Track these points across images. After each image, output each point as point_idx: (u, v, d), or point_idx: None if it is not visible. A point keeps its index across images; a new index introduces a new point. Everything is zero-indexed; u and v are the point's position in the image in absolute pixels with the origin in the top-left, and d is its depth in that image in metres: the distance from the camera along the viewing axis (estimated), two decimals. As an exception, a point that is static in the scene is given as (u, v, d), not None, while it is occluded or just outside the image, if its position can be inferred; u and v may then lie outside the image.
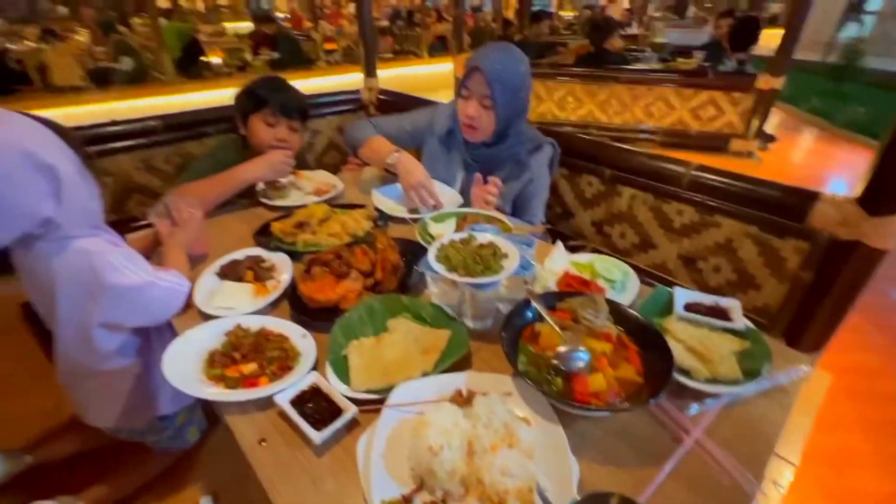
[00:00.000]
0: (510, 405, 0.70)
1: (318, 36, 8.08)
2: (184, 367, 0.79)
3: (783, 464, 0.69)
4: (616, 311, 0.84)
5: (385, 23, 10.09)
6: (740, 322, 0.86)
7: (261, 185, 1.48)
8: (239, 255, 1.10)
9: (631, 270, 1.06)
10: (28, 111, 0.88)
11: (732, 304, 0.91)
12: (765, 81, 3.30)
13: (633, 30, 8.11)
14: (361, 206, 1.36)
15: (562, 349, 0.74)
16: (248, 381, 0.77)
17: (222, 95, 2.06)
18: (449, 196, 1.45)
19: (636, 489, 0.61)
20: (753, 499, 0.61)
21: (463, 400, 0.70)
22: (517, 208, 1.47)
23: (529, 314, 0.83)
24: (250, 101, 1.48)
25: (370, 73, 2.82)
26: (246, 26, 8.86)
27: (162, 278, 0.92)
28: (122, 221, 1.79)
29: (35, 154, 0.80)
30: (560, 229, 2.03)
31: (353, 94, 2.82)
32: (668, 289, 0.97)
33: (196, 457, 1.23)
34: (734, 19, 3.59)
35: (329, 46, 9.51)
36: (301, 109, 1.55)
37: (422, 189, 1.32)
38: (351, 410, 0.70)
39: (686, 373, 0.78)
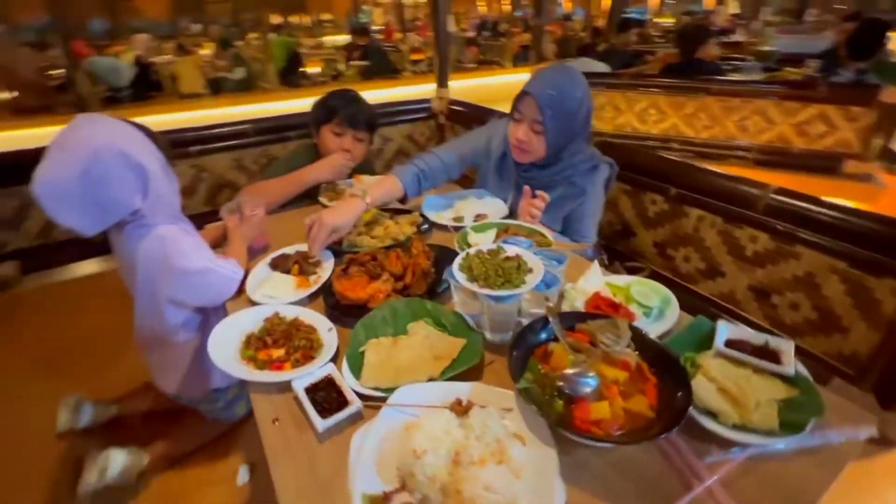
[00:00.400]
0: (507, 421, 0.69)
1: (405, 47, 8.47)
2: (225, 345, 0.89)
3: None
4: (640, 338, 0.79)
5: (471, 34, 10.28)
6: (790, 367, 0.76)
7: (323, 188, 1.61)
8: (290, 249, 1.21)
9: (672, 297, 0.98)
10: (158, 115, 1.07)
11: (784, 346, 0.81)
12: (892, 94, 2.84)
13: (739, 37, 7.41)
14: (409, 212, 1.41)
15: (569, 371, 0.71)
16: (274, 365, 0.85)
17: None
18: (493, 207, 1.45)
19: (627, 530, 0.57)
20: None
21: (461, 409, 0.70)
22: (567, 227, 1.42)
23: (545, 333, 0.81)
24: (322, 111, 1.61)
25: (442, 83, 2.91)
26: (342, 39, 9.56)
27: (220, 265, 1.04)
28: (211, 213, 2.05)
29: (129, 154, 0.95)
30: (619, 248, 1.93)
31: (425, 104, 2.93)
32: (711, 322, 0.89)
33: (241, 430, 1.36)
34: (856, 23, 3.12)
35: (416, 57, 9.94)
36: (367, 121, 1.65)
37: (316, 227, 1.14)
38: (356, 404, 0.74)
39: (713, 416, 0.71)
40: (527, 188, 1.31)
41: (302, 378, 0.80)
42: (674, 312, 0.95)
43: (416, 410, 0.71)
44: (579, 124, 1.29)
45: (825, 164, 3.15)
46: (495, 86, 8.15)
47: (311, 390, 0.78)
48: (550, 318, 0.80)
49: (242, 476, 1.24)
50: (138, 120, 1.06)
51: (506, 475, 0.62)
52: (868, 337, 1.24)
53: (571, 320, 0.83)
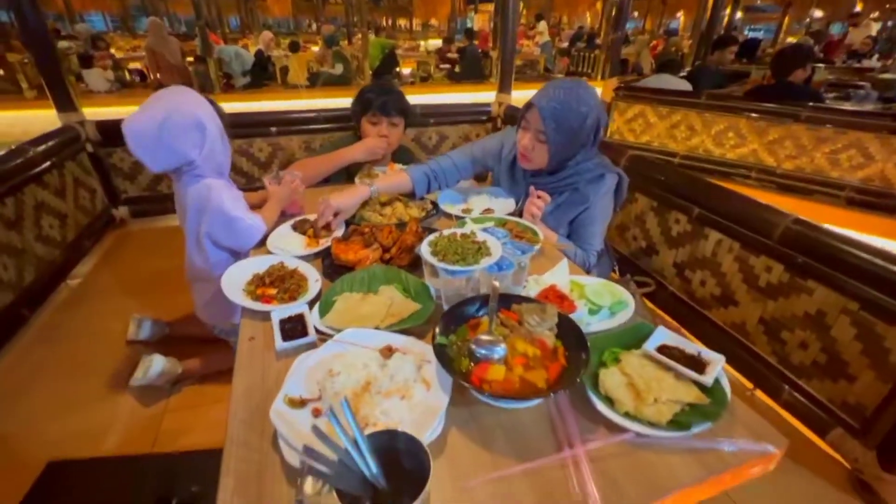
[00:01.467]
0: (424, 371, 0.81)
1: (494, 53, 8.62)
2: (236, 279, 1.11)
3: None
4: (568, 326, 0.85)
5: (565, 44, 10.17)
6: (709, 378, 0.78)
7: (360, 171, 1.81)
8: (312, 216, 1.41)
9: (630, 303, 1.01)
10: (265, 100, 1.35)
11: (715, 359, 0.82)
12: None
13: (873, 62, 6.51)
14: (422, 199, 1.56)
15: (482, 337, 0.81)
16: (265, 299, 1.04)
17: (420, 101, 2.57)
18: (502, 203, 1.54)
19: (488, 471, 0.66)
20: (595, 525, 0.60)
21: (387, 353, 0.83)
22: (573, 233, 1.47)
23: (483, 309, 0.91)
24: (360, 104, 1.82)
25: (503, 88, 3.02)
26: (436, 44, 10.00)
27: (250, 218, 1.27)
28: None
29: (199, 118, 1.22)
30: (640, 264, 1.91)
31: (485, 107, 3.06)
32: (652, 326, 0.92)
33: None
34: None
35: (507, 64, 10.09)
36: (399, 108, 1.82)
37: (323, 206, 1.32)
38: (311, 336, 0.91)
39: (610, 403, 0.76)
40: (532, 188, 1.39)
41: (279, 311, 0.98)
42: (626, 314, 0.98)
43: (353, 348, 0.85)
44: (583, 137, 1.33)
45: (935, 212, 2.74)
46: None
47: (284, 321, 0.96)
48: (491, 295, 0.90)
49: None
50: (247, 104, 1.35)
51: (402, 407, 0.74)
52: (875, 388, 1.15)
53: (509, 301, 0.91)
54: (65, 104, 2.27)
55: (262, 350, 0.91)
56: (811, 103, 3.05)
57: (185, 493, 1.06)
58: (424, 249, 1.02)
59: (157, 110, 1.21)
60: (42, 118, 2.28)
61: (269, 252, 1.24)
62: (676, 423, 0.72)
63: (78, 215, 2.20)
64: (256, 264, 1.16)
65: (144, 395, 1.47)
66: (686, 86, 3.88)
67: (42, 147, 1.98)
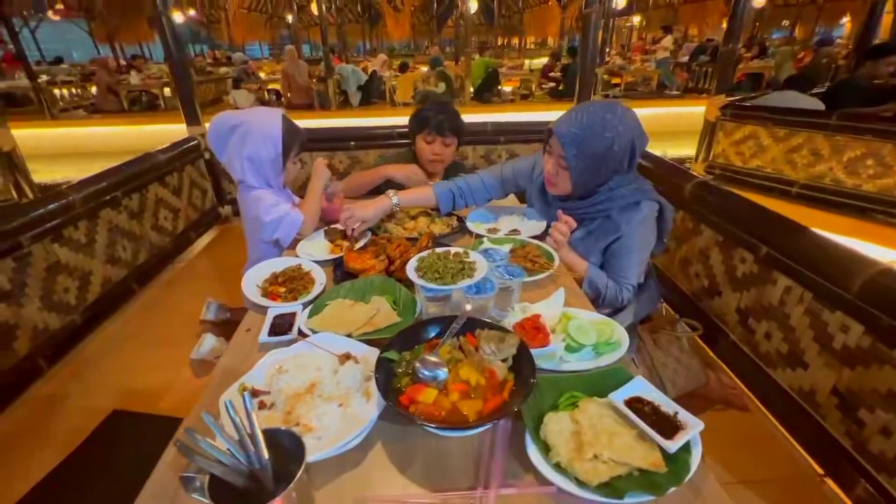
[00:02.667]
0: (372, 382, 0.82)
1: (600, 71, 8.28)
2: (257, 276, 1.24)
3: None
4: (527, 361, 0.80)
5: (685, 58, 9.35)
6: (674, 445, 0.67)
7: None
8: (342, 226, 1.52)
9: (623, 345, 0.90)
10: (372, 117, 1.55)
11: (691, 424, 0.70)
12: None
13: None
14: (450, 215, 1.57)
15: (427, 357, 0.80)
16: (271, 296, 1.15)
17: (499, 119, 2.68)
18: (530, 225, 1.49)
19: (387, 493, 0.65)
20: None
21: (343, 360, 0.87)
22: (607, 263, 1.35)
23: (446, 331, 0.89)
24: (416, 122, 1.89)
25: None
26: (541, 62, 9.94)
27: (287, 214, 1.42)
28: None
29: (255, 149, 1.42)
30: (703, 307, 1.67)
31: (559, 126, 2.96)
32: (632, 375, 0.81)
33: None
34: None
35: (615, 80, 9.60)
36: (453, 128, 1.86)
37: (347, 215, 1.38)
38: (293, 333, 0.98)
39: (547, 449, 0.70)
40: (560, 212, 1.32)
41: (276, 308, 1.08)
42: (612, 357, 0.89)
43: (318, 350, 0.90)
44: (613, 163, 1.22)
45: None
46: (665, 115, 7.05)
47: (278, 318, 1.05)
48: (458, 317, 0.88)
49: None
50: (356, 119, 1.54)
51: (335, 414, 0.76)
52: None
53: (475, 326, 0.88)
54: (192, 119, 2.76)
55: (251, 341, 1.01)
56: None
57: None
58: (411, 265, 1.04)
59: (239, 119, 1.42)
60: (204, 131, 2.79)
61: (296, 255, 1.37)
62: (610, 486, 0.63)
63: (189, 211, 2.64)
64: (277, 265, 1.29)
65: (200, 368, 1.70)
66: (817, 105, 3.30)
67: (168, 154, 2.43)
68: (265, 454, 0.59)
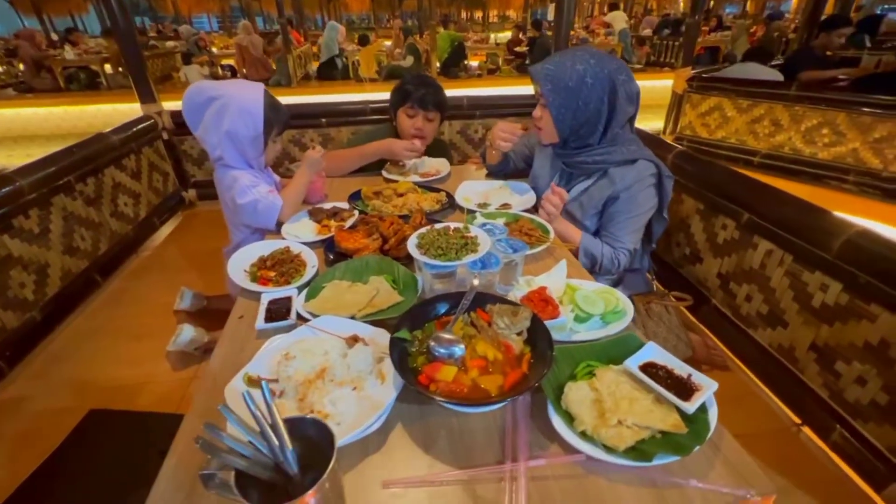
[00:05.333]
0: (384, 364, 0.80)
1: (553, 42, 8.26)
2: (243, 259, 1.17)
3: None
4: (541, 333, 0.79)
5: (648, 31, 9.47)
6: (692, 406, 0.69)
7: (388, 164, 1.82)
8: (328, 205, 1.45)
9: (628, 313, 0.92)
10: (335, 94, 1.46)
11: (706, 385, 0.72)
12: None
13: None
14: (439, 191, 1.54)
15: (442, 335, 0.78)
16: (262, 280, 1.09)
17: (466, 94, 2.57)
18: (521, 198, 1.48)
19: (420, 472, 0.64)
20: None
21: (351, 342, 0.83)
22: (603, 229, 1.37)
23: (457, 305, 0.87)
24: (398, 95, 1.82)
25: (556, 79, 2.88)
26: (507, 36, 9.81)
27: (265, 198, 1.34)
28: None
29: (234, 125, 1.32)
30: (684, 273, 1.73)
31: (533, 99, 2.93)
32: (643, 341, 0.82)
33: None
34: None
35: (582, 54, 9.60)
36: (436, 103, 1.80)
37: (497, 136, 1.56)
38: (290, 320, 0.93)
39: (570, 419, 0.70)
40: (553, 183, 1.32)
41: (270, 293, 1.02)
42: (619, 325, 0.90)
43: (322, 334, 0.87)
44: (591, 100, 1.23)
45: None
46: (657, 89, 7.31)
47: (273, 302, 1.00)
48: (466, 293, 0.86)
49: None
50: (319, 97, 1.43)
51: (350, 398, 0.73)
52: (947, 442, 0.94)
53: (485, 301, 0.87)
54: (146, 97, 2.55)
55: (246, 328, 0.96)
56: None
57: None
58: (412, 242, 1.00)
59: (217, 90, 1.31)
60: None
61: (282, 237, 1.30)
62: (637, 450, 0.64)
63: (150, 195, 2.47)
64: (264, 247, 1.22)
65: (179, 360, 1.62)
66: (776, 76, 3.43)
67: (123, 134, 2.24)
68: (289, 445, 0.56)
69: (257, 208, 1.34)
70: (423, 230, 1.04)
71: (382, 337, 0.86)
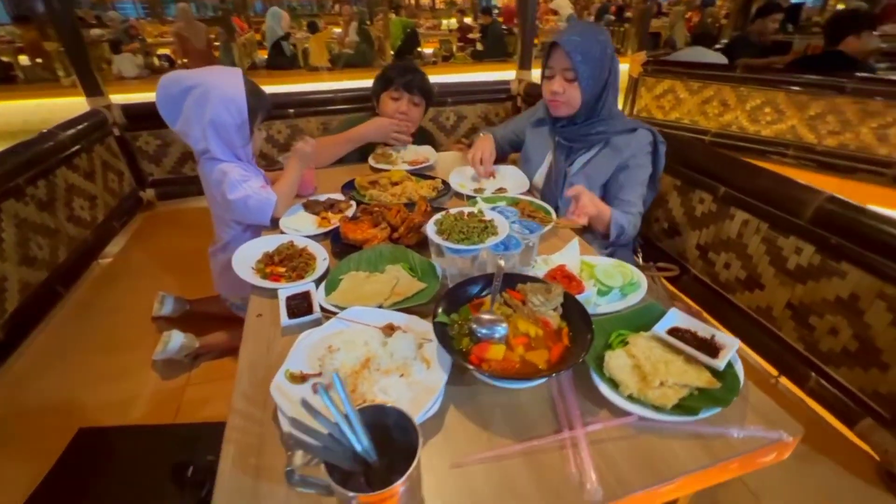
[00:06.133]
0: (425, 349, 0.80)
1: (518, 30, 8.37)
2: (247, 256, 1.13)
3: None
4: (574, 307, 0.83)
5: (590, 18, 9.76)
6: (721, 362, 0.75)
7: (374, 151, 1.79)
8: (322, 196, 1.41)
9: (643, 284, 0.97)
10: (286, 84, 1.38)
11: (729, 343, 0.79)
12: None
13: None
14: (434, 178, 1.54)
15: (483, 316, 0.79)
16: (273, 277, 1.05)
17: (437, 80, 2.54)
18: (515, 182, 1.51)
19: (482, 450, 0.66)
20: (592, 507, 0.59)
21: (389, 331, 0.83)
22: (610, 195, 1.42)
23: (487, 289, 0.89)
24: (381, 81, 1.79)
25: (524, 65, 2.93)
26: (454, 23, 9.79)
27: (258, 193, 1.28)
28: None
29: (218, 113, 1.25)
30: (663, 247, 1.84)
31: (504, 85, 2.97)
32: (663, 308, 0.88)
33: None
34: None
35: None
36: (422, 88, 1.79)
37: (477, 163, 1.54)
38: (316, 313, 0.91)
39: (615, 386, 0.74)
40: (574, 192, 1.24)
41: (287, 289, 0.99)
42: (637, 296, 0.95)
43: (355, 325, 0.86)
44: (606, 70, 1.31)
45: None
46: None
47: (291, 298, 0.97)
48: (495, 275, 0.88)
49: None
50: (269, 87, 1.36)
51: (401, 385, 0.73)
52: (910, 377, 1.07)
53: (514, 281, 0.89)
54: (93, 89, 2.34)
55: (268, 326, 0.93)
56: (858, 74, 2.82)
57: (200, 461, 1.10)
58: (430, 228, 1.00)
59: (193, 79, 1.24)
60: (80, 105, 2.35)
61: (281, 232, 1.26)
62: (683, 407, 0.69)
63: (107, 197, 2.28)
64: (267, 243, 1.18)
65: (167, 368, 1.53)
66: (722, 59, 3.66)
67: (71, 131, 2.05)
68: (365, 434, 0.56)
69: (248, 204, 1.28)
70: (438, 216, 1.04)
71: (416, 324, 0.87)
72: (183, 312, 1.75)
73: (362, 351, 0.78)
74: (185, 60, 6.68)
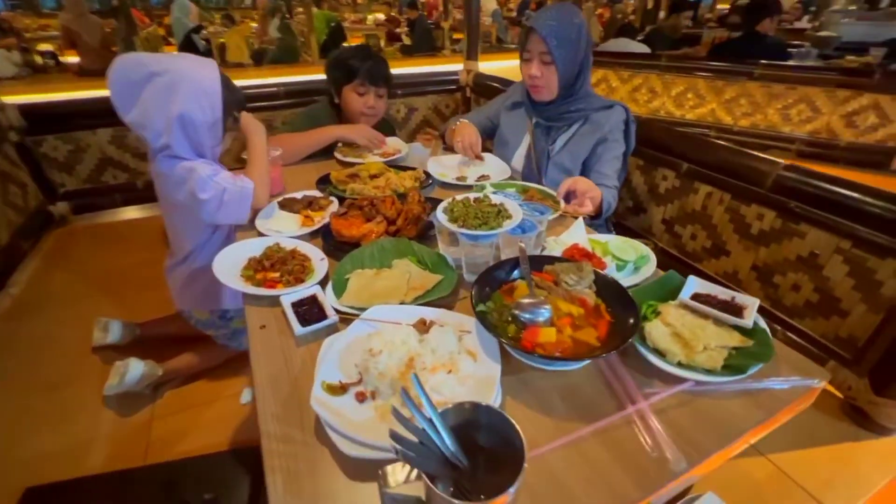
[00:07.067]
0: (465, 341, 0.76)
1: (446, 25, 8.40)
2: (229, 264, 0.99)
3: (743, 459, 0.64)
4: (604, 283, 0.82)
5: (514, 13, 10.06)
6: (749, 320, 0.78)
7: (340, 144, 1.68)
8: (298, 194, 1.30)
9: (651, 256, 1.00)
10: None
11: (749, 302, 0.83)
12: (959, 85, 2.62)
13: (803, 23, 6.90)
14: (413, 169, 1.47)
15: (524, 300, 0.76)
16: (268, 284, 0.94)
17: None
18: (496, 168, 1.49)
19: (552, 437, 0.63)
20: (678, 476, 0.58)
21: (423, 327, 0.77)
22: (588, 170, 1.45)
23: (515, 272, 0.86)
24: (342, 72, 1.67)
25: (471, 56, 2.92)
26: (382, 17, 9.61)
27: (233, 184, 1.14)
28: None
29: (188, 107, 1.09)
30: (629, 225, 1.93)
31: (453, 76, 2.95)
32: (682, 277, 0.91)
33: (247, 360, 1.48)
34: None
35: (458, 36, 9.85)
36: (385, 77, 1.71)
37: (468, 149, 1.50)
38: (332, 317, 0.83)
39: (661, 355, 0.75)
40: (568, 186, 1.23)
41: (289, 295, 0.89)
42: (650, 269, 0.97)
43: (383, 325, 0.78)
44: (583, 53, 1.34)
45: (873, 159, 2.97)
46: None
47: (297, 305, 0.87)
48: (521, 258, 0.85)
49: (245, 396, 1.37)
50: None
51: (452, 382, 0.68)
52: (867, 320, 1.22)
53: (540, 263, 0.87)
54: (-23, 86, 1.95)
55: (277, 337, 0.82)
56: (764, 61, 3.16)
57: (196, 501, 0.96)
58: (441, 217, 0.95)
59: (159, 65, 1.07)
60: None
61: (261, 234, 1.13)
62: (731, 367, 0.72)
63: (9, 213, 1.93)
64: (249, 248, 1.05)
65: (125, 403, 1.33)
66: (645, 49, 3.93)
67: (-43, 136, 1.70)
68: (452, 439, 0.51)
69: (224, 199, 1.13)
70: (445, 204, 0.99)
71: (447, 316, 0.82)
72: (133, 338, 1.52)
73: (403, 351, 0.71)
74: (80, 58, 5.88)
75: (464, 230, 0.90)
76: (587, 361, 0.74)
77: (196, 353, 1.43)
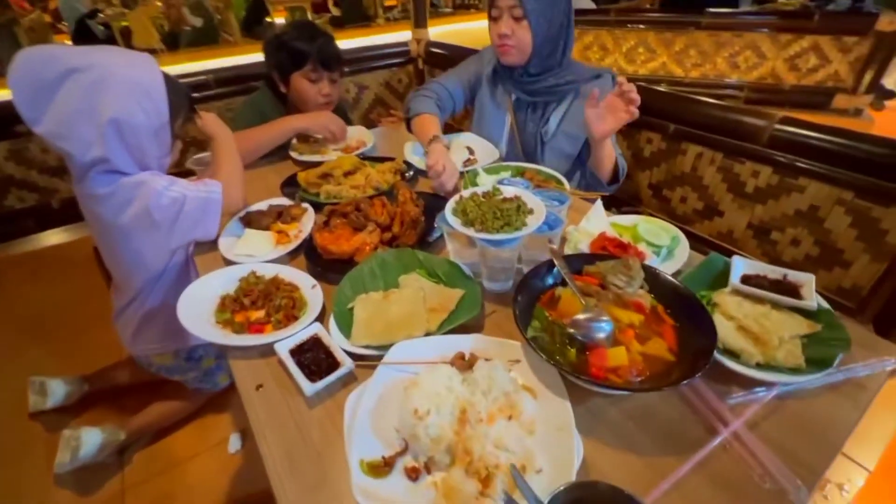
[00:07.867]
0: (516, 374, 0.63)
1: (376, -9, 7.88)
2: (198, 308, 0.80)
3: (853, 467, 0.57)
4: (654, 278, 0.72)
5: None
6: (812, 301, 0.71)
7: (293, 140, 1.46)
8: (262, 205, 1.09)
9: (681, 235, 0.92)
10: None
11: (804, 279, 0.76)
12: (889, 22, 2.74)
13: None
14: (391, 160, 1.30)
15: (580, 317, 0.65)
16: (254, 328, 0.77)
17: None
18: (483, 150, 1.35)
19: (651, 482, 0.53)
20: (800, 507, 0.51)
21: (464, 364, 0.64)
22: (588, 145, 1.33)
23: (550, 278, 0.74)
24: (289, 56, 1.42)
25: (419, 23, 2.69)
26: (308, -16, 8.84)
27: (193, 191, 0.94)
28: (179, 173, 1.90)
29: (125, 110, 0.86)
30: (614, 194, 1.85)
31: (402, 47, 2.71)
32: (725, 258, 0.83)
33: (230, 398, 1.30)
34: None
35: (389, 2, 9.29)
36: (337, 58, 1.48)
37: (442, 180, 1.13)
38: (346, 365, 0.67)
39: (734, 355, 0.66)
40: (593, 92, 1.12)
41: (285, 340, 0.72)
42: (683, 251, 0.89)
43: (414, 368, 0.64)
44: (562, 13, 1.19)
45: (815, 99, 3.09)
46: (476, 31, 7.68)
47: (297, 352, 0.71)
48: (556, 262, 0.73)
49: (234, 444, 1.19)
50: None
51: (517, 431, 0.56)
52: (870, 269, 1.21)
53: (578, 263, 0.76)
54: None
55: (280, 399, 0.66)
56: (711, 9, 3.16)
57: None
58: (452, 220, 0.80)
59: (81, 59, 0.84)
60: None
61: (227, 262, 0.93)
62: (814, 361, 0.64)
63: None
64: (220, 282, 0.86)
65: (84, 478, 1.11)
66: (591, 5, 3.84)
67: None
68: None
69: (185, 211, 0.92)
70: (452, 204, 0.84)
71: (487, 344, 0.69)
72: (81, 395, 1.28)
73: (451, 402, 0.58)
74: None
75: (485, 235, 0.76)
76: (682, 386, 0.63)
77: (164, 402, 1.22)
